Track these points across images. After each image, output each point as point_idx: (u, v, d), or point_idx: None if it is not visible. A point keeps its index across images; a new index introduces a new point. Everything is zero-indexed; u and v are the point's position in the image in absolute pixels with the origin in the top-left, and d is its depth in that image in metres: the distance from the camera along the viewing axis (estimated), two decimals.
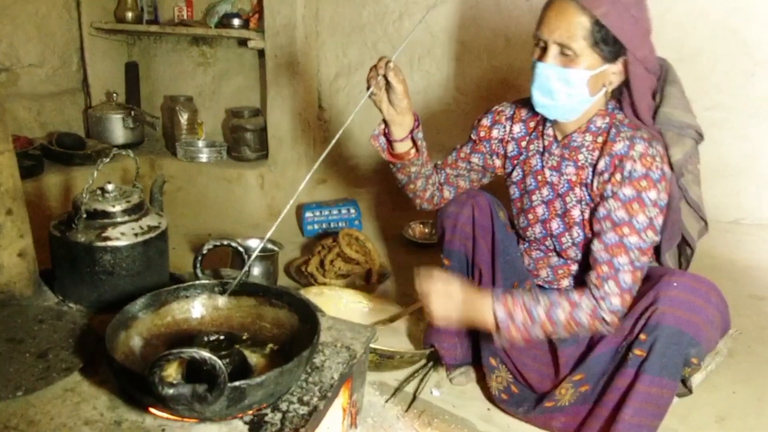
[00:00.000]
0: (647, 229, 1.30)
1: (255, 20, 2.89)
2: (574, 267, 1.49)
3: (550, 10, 1.31)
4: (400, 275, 2.31)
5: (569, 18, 1.27)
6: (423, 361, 1.73)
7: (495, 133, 1.56)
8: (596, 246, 1.35)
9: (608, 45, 1.28)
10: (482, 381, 1.64)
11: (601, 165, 1.37)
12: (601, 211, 1.35)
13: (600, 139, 1.39)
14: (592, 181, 1.40)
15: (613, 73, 1.34)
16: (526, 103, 1.54)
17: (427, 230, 2.64)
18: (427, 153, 1.52)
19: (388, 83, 1.34)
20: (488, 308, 1.34)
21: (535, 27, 1.34)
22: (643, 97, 1.37)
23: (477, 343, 1.64)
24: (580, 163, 1.42)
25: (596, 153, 1.40)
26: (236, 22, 2.90)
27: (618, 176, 1.33)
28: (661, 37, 2.29)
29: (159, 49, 3.38)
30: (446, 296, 1.36)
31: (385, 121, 1.43)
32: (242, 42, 3.01)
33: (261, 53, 2.92)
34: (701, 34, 2.28)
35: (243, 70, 3.20)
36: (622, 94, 1.40)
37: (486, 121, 1.58)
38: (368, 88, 1.35)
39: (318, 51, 2.90)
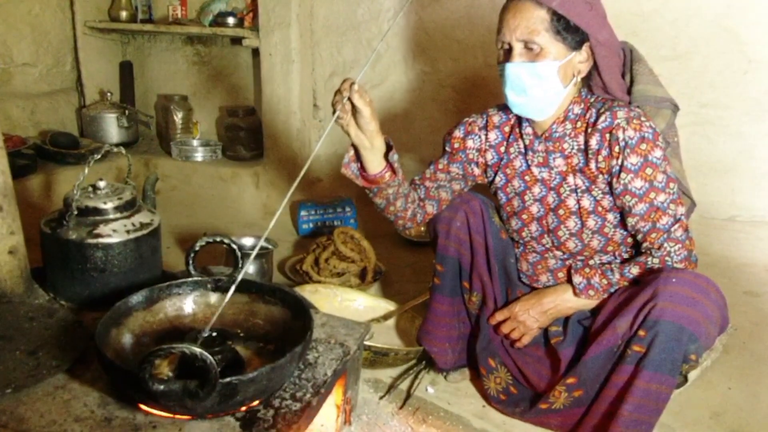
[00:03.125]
0: (669, 183, 1.34)
1: (249, 19, 2.89)
2: (577, 264, 1.48)
3: (507, 12, 1.35)
4: (395, 273, 2.30)
5: (527, 14, 1.31)
6: (417, 359, 1.72)
7: (470, 143, 1.56)
8: (632, 221, 1.37)
9: (570, 33, 1.32)
10: (477, 379, 1.63)
11: (593, 144, 1.38)
12: (618, 187, 1.36)
13: (580, 124, 1.41)
14: (586, 163, 1.41)
15: (580, 61, 1.38)
16: (496, 110, 1.56)
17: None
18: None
19: (354, 106, 1.30)
20: (565, 287, 1.45)
21: (496, 32, 1.37)
22: (613, 77, 1.42)
23: (470, 345, 1.64)
24: (567, 152, 1.43)
25: (581, 137, 1.41)
26: (231, 20, 2.89)
27: (616, 148, 1.34)
28: (656, 34, 2.33)
29: (153, 48, 3.37)
30: (530, 307, 1.47)
31: (354, 147, 1.40)
32: (237, 40, 3.00)
33: (256, 52, 2.91)
34: (696, 32, 2.28)
35: (238, 68, 3.20)
36: (592, 80, 1.44)
37: (458, 133, 1.58)
38: (334, 112, 1.31)
39: (313, 49, 2.90)
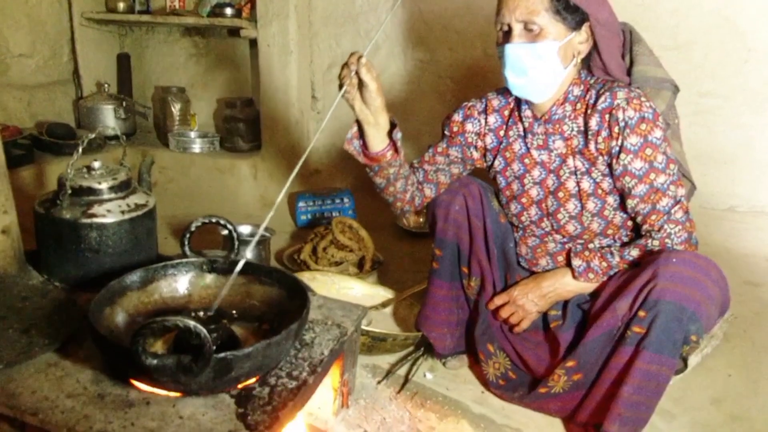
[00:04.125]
0: (669, 164, 1.33)
1: (247, 9, 2.87)
2: (576, 248, 1.47)
3: None
4: (393, 264, 2.29)
5: None
6: (416, 346, 1.70)
7: (469, 126, 1.55)
8: (632, 203, 1.36)
9: (570, 13, 1.32)
10: (476, 365, 1.62)
11: (593, 124, 1.37)
12: (617, 168, 1.35)
13: (580, 106, 1.40)
14: (586, 145, 1.39)
15: (580, 42, 1.37)
16: (495, 94, 1.55)
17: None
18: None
19: (360, 81, 1.29)
20: (564, 270, 1.44)
21: (495, 14, 1.36)
22: (612, 57, 1.41)
23: (469, 331, 1.62)
24: (566, 134, 1.42)
25: (581, 119, 1.40)
26: (228, 11, 2.88)
27: (616, 129, 1.33)
28: (657, 24, 2.32)
29: (151, 39, 3.35)
30: (528, 291, 1.46)
31: (358, 123, 1.39)
32: (234, 31, 2.99)
33: (253, 43, 2.90)
34: (696, 22, 2.28)
35: (235, 60, 3.18)
36: (592, 61, 1.43)
37: (457, 117, 1.56)
38: (341, 86, 1.30)
39: (311, 41, 2.88)
